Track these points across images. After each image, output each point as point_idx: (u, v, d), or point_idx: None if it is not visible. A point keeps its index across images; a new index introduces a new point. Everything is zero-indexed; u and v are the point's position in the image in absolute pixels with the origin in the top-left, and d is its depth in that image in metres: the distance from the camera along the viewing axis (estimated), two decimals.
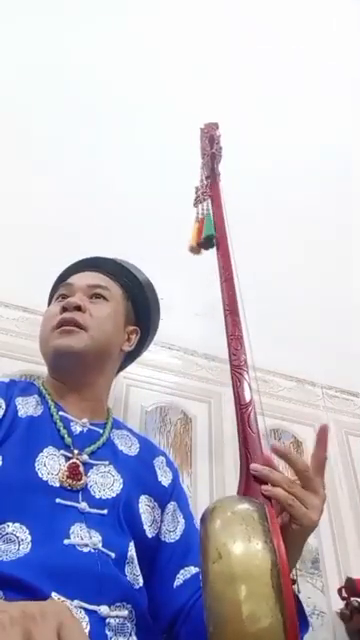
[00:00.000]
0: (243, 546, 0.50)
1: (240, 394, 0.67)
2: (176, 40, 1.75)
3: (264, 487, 0.58)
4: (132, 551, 0.72)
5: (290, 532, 0.60)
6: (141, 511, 0.78)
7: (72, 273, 1.03)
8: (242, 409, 0.66)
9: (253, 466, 0.60)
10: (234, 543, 0.50)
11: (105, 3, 1.76)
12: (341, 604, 1.15)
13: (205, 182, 1.01)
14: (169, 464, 0.93)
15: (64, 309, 0.88)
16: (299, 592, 1.11)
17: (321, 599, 1.15)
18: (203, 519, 0.56)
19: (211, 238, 0.91)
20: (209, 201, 0.97)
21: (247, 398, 0.67)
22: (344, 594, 1.15)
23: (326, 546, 1.25)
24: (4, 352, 1.26)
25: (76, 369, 0.87)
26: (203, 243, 0.93)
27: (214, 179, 0.99)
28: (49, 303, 1.05)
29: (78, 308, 0.88)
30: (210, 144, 1.04)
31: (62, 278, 1.05)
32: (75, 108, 1.69)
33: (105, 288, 0.96)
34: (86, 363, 0.88)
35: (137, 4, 1.79)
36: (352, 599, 1.13)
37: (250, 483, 0.60)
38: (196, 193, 1.00)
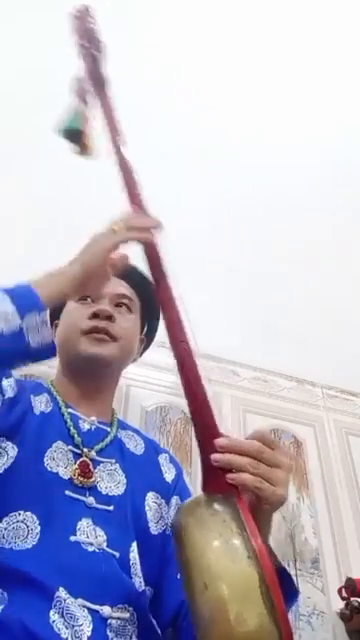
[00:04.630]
0: (227, 567, 0.48)
1: (176, 329, 0.63)
2: (178, 36, 1.75)
3: (229, 476, 0.55)
4: (135, 552, 0.72)
5: (260, 512, 0.59)
6: (147, 508, 0.78)
7: None
8: (182, 351, 0.62)
9: (213, 457, 0.56)
10: (217, 565, 0.48)
11: (104, 3, 1.76)
12: (341, 604, 1.15)
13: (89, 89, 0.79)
14: (172, 461, 0.94)
15: (95, 315, 0.89)
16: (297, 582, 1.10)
17: (321, 599, 1.15)
18: (176, 536, 0.54)
19: (75, 131, 0.78)
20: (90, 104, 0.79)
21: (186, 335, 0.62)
22: (344, 594, 1.15)
23: (326, 546, 1.25)
24: None
25: (98, 376, 0.89)
26: (68, 134, 0.79)
27: (101, 88, 0.77)
28: None
29: (109, 318, 0.89)
30: (87, 40, 0.80)
31: None
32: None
33: (130, 299, 0.97)
34: (109, 371, 0.91)
35: (136, 4, 1.79)
36: (352, 599, 1.13)
37: (213, 474, 0.56)
38: (77, 86, 0.79)
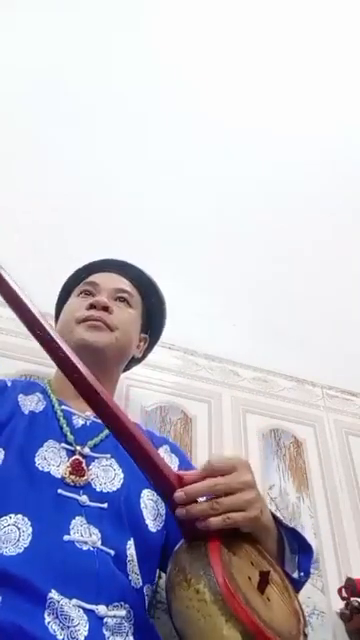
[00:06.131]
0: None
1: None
2: (179, 36, 1.75)
3: (197, 525, 0.57)
4: (131, 549, 0.72)
5: (251, 530, 0.62)
6: (142, 506, 0.78)
7: (96, 270, 1.04)
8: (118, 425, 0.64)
9: (177, 513, 0.59)
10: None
11: (105, 5, 1.76)
12: (341, 604, 1.15)
13: None
14: (174, 450, 0.93)
15: (92, 306, 0.90)
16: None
17: (321, 599, 1.15)
18: (167, 607, 0.58)
19: None
20: None
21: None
22: (344, 594, 1.15)
23: (326, 546, 1.25)
24: (4, 352, 1.26)
25: (94, 365, 0.89)
26: None
27: None
28: (63, 293, 1.07)
29: (106, 309, 0.90)
30: None
31: (86, 271, 1.06)
32: (76, 108, 1.69)
33: (130, 294, 1.00)
34: (105, 361, 0.91)
35: (138, 6, 1.78)
36: (352, 599, 1.12)
37: (186, 524, 0.59)
38: None
